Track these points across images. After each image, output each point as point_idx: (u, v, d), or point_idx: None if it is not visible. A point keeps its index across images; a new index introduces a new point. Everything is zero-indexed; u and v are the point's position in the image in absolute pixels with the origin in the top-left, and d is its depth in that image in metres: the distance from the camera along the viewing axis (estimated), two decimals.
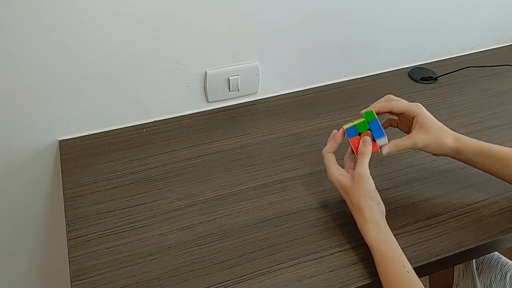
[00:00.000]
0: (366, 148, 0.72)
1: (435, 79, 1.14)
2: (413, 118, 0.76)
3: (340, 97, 1.08)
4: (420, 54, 1.19)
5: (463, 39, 1.21)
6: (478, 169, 0.78)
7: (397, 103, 0.76)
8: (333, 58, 1.08)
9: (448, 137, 0.75)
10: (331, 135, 0.78)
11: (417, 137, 0.74)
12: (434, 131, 0.74)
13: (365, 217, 0.70)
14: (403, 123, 0.80)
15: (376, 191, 0.72)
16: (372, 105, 0.77)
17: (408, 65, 1.19)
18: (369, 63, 1.14)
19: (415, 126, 0.75)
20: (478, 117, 1.02)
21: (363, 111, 0.76)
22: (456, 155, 0.76)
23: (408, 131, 0.79)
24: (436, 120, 0.76)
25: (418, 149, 0.76)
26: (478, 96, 1.09)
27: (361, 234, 0.72)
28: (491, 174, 0.78)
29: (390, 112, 0.77)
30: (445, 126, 0.76)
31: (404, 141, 0.75)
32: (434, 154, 0.78)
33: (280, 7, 0.95)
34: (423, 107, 0.76)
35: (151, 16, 0.86)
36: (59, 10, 0.79)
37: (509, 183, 0.77)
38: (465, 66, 1.15)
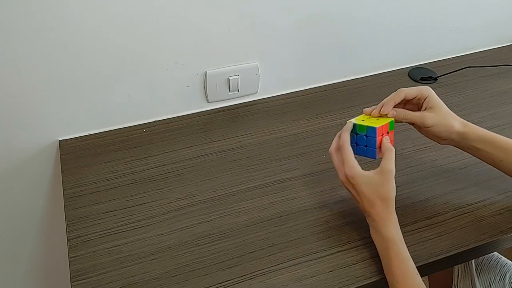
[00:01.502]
0: (391, 145, 0.72)
1: (435, 79, 1.14)
2: (423, 100, 0.75)
3: (340, 97, 1.08)
4: (420, 54, 1.19)
5: (463, 39, 1.21)
6: (482, 159, 0.77)
7: (407, 89, 0.75)
8: (333, 58, 1.08)
9: (456, 120, 0.75)
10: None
11: (426, 115, 0.73)
12: (444, 113, 0.74)
13: (390, 211, 0.69)
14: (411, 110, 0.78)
15: None
16: (384, 102, 0.75)
17: (408, 65, 1.19)
18: (369, 63, 1.14)
19: (425, 107, 0.75)
20: (478, 117, 1.02)
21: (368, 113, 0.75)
22: (462, 140, 0.75)
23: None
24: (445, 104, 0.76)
25: (425, 127, 0.74)
26: (478, 96, 1.09)
27: (361, 234, 0.73)
28: (495, 165, 0.77)
29: (402, 102, 0.76)
30: (452, 112, 0.76)
31: (414, 114, 0.74)
32: (439, 140, 0.76)
33: (280, 7, 0.95)
34: (432, 90, 0.75)
35: (151, 16, 0.86)
36: (59, 10, 0.79)
37: (508, 174, 0.77)
38: (465, 66, 1.15)
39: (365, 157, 0.74)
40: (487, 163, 0.78)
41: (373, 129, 0.71)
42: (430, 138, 0.78)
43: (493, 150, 0.75)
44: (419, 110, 0.76)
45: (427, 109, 0.74)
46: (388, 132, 0.74)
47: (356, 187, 0.70)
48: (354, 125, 0.73)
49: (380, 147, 0.72)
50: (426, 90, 0.75)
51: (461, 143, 0.76)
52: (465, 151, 0.78)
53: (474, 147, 0.76)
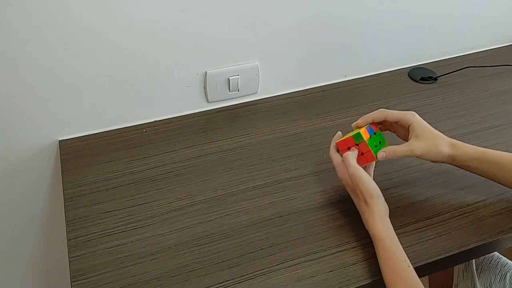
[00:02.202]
0: (348, 152, 0.74)
1: (435, 79, 1.14)
2: (408, 127, 0.76)
3: (340, 97, 1.08)
4: (420, 54, 1.19)
5: (463, 39, 1.21)
6: (476, 174, 0.78)
7: (391, 112, 0.77)
8: (333, 58, 1.08)
9: (444, 144, 0.75)
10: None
11: (414, 145, 0.75)
12: (431, 138, 0.75)
13: (373, 210, 0.71)
14: (399, 131, 0.80)
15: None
16: (366, 116, 0.78)
17: (408, 65, 1.19)
18: (369, 63, 1.14)
19: (411, 135, 0.76)
20: (478, 117, 1.02)
21: (355, 127, 0.78)
22: (453, 162, 0.77)
23: (405, 139, 0.79)
24: (431, 127, 0.76)
25: (416, 156, 0.75)
26: (478, 96, 1.09)
27: (361, 234, 0.73)
28: (489, 179, 0.78)
29: (385, 120, 0.78)
30: (440, 133, 0.76)
31: (401, 148, 0.75)
32: (431, 161, 0.78)
33: (280, 7, 0.95)
34: (417, 115, 0.76)
35: (151, 16, 0.86)
36: (59, 10, 0.79)
37: (508, 186, 0.77)
38: (465, 66, 1.15)
39: None
40: (482, 177, 0.78)
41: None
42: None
43: (485, 166, 0.76)
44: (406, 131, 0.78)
45: (413, 137, 0.75)
46: (357, 145, 0.75)
47: (352, 185, 0.74)
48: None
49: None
50: (410, 117, 0.76)
51: (453, 164, 0.78)
52: (458, 167, 0.79)
53: (466, 165, 0.77)
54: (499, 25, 1.23)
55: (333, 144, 0.79)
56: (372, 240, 0.71)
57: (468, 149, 0.76)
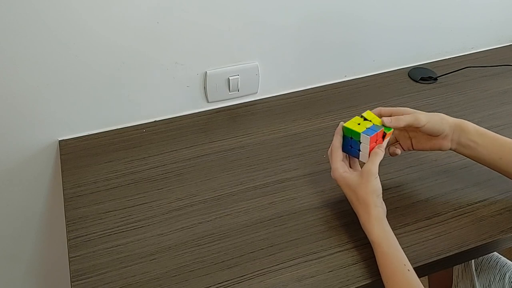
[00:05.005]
0: (380, 150, 0.73)
1: (435, 79, 1.14)
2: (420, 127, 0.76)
3: (340, 97, 1.08)
4: (420, 54, 1.19)
5: (463, 39, 1.21)
6: (480, 158, 0.77)
7: (402, 122, 0.75)
8: (333, 58, 1.08)
9: (449, 118, 0.76)
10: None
11: (419, 115, 0.75)
12: (437, 115, 0.76)
13: (370, 213, 0.70)
14: (403, 142, 0.81)
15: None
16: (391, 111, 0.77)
17: (408, 65, 1.19)
18: (369, 63, 1.14)
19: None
20: (478, 117, 1.02)
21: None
22: (461, 134, 0.76)
23: (408, 148, 0.81)
24: None
25: (420, 127, 0.74)
26: (478, 96, 1.09)
27: (361, 234, 0.72)
28: (493, 165, 0.77)
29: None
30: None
31: (406, 117, 0.74)
32: (440, 142, 0.77)
33: (280, 7, 0.95)
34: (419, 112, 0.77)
35: (151, 16, 0.86)
36: (59, 10, 0.79)
37: (508, 174, 0.76)
38: (465, 66, 1.15)
39: (357, 159, 0.75)
40: (484, 164, 0.78)
41: (357, 134, 0.73)
42: (430, 149, 0.79)
43: (493, 145, 0.75)
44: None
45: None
46: (384, 135, 0.74)
47: (342, 189, 0.74)
48: (344, 128, 0.75)
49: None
50: (411, 110, 0.77)
51: (461, 140, 0.76)
52: (465, 154, 0.78)
53: (473, 142, 0.76)
54: (499, 25, 1.23)
55: (335, 142, 0.76)
56: (371, 244, 0.71)
57: (472, 124, 0.76)
